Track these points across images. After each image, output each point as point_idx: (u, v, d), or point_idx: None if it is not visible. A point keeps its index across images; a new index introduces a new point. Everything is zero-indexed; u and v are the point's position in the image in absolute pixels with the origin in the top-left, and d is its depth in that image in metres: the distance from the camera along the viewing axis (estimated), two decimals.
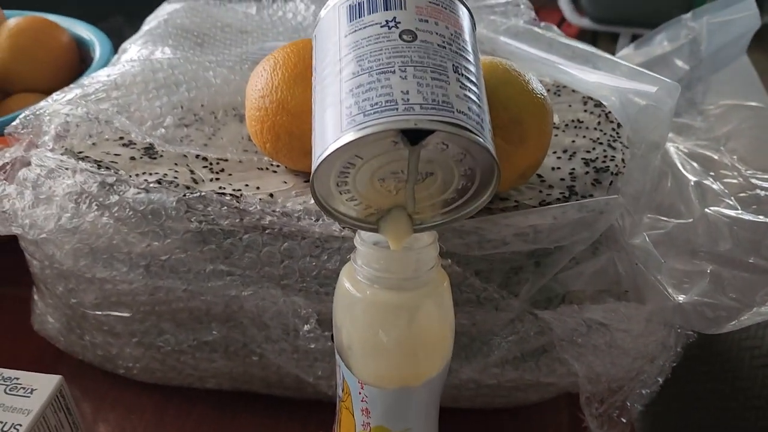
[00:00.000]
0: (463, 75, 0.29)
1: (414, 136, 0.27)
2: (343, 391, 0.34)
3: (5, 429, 0.37)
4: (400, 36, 0.29)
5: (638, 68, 0.44)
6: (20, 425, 0.37)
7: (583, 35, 1.84)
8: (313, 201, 0.30)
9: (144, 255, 0.38)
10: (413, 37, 0.29)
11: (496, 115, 0.35)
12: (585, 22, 1.47)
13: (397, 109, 0.27)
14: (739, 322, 0.37)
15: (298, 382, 0.42)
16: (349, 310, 0.32)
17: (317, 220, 0.35)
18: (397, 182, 0.29)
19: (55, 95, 0.45)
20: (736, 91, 0.61)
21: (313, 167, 0.28)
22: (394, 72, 0.28)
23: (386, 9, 0.30)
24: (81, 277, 0.40)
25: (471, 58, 0.30)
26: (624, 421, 0.41)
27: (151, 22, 0.58)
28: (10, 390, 0.39)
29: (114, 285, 0.40)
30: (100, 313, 0.42)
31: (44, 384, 0.40)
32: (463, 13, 0.32)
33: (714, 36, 0.62)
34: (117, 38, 1.06)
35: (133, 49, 0.53)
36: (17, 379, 0.40)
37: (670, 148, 0.51)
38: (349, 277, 0.32)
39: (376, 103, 0.27)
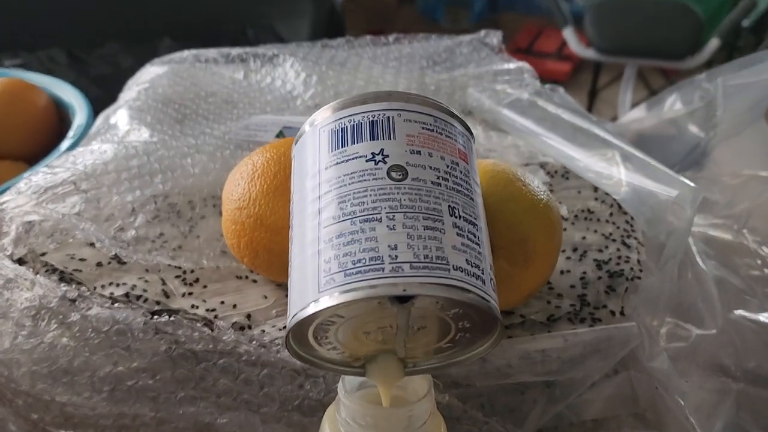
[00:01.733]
0: (460, 217, 0.25)
1: (404, 297, 0.23)
2: None
3: None
4: (388, 173, 0.25)
5: (654, 162, 0.40)
6: None
7: (587, 65, 1.81)
8: None
9: (108, 379, 0.35)
10: (403, 174, 0.25)
11: (499, 234, 0.31)
12: (590, 54, 1.43)
13: (383, 269, 0.23)
14: None
15: None
16: None
17: None
18: (385, 335, 0.26)
19: (21, 184, 0.42)
20: (754, 160, 0.57)
21: (288, 326, 0.24)
22: (380, 220, 0.24)
23: (372, 138, 0.26)
24: (40, 400, 0.37)
25: (470, 190, 0.27)
26: None
27: (132, 88, 0.54)
28: None
29: (75, 408, 0.36)
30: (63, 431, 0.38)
31: None
32: (460, 134, 0.28)
33: (730, 100, 0.58)
34: (112, 66, 1.03)
35: (111, 123, 0.49)
36: None
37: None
38: (331, 426, 0.28)
39: (359, 260, 0.23)
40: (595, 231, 0.41)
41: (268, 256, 0.33)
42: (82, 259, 0.37)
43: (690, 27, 1.35)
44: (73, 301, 0.35)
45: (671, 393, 0.34)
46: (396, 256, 0.23)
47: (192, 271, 0.37)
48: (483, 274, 0.25)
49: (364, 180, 0.25)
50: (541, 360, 0.33)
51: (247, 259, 0.34)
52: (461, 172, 0.27)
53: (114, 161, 0.42)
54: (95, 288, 0.36)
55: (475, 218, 0.26)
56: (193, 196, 0.42)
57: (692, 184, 0.37)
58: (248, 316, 0.34)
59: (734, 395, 0.35)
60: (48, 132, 0.60)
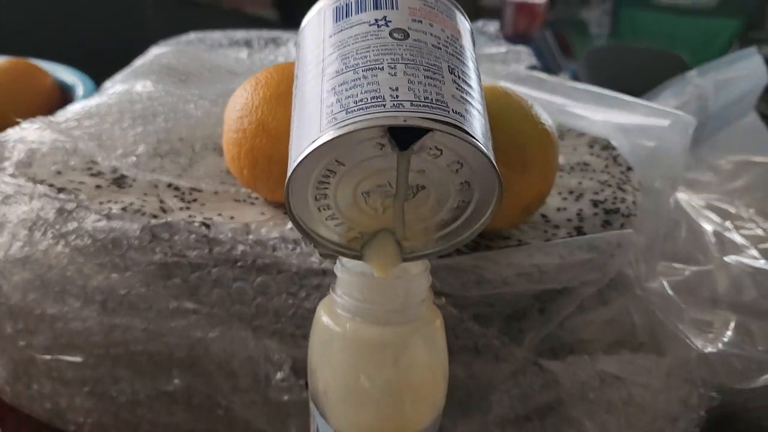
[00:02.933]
0: (459, 78, 0.26)
1: (403, 139, 0.24)
2: None
3: None
4: (390, 34, 0.26)
5: (648, 103, 0.41)
6: None
7: None
8: (291, 227, 0.26)
9: (101, 289, 0.34)
10: (405, 35, 0.26)
11: (496, 139, 0.31)
12: None
13: (384, 105, 0.23)
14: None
15: None
16: (326, 348, 0.27)
17: (294, 248, 0.31)
18: (384, 198, 0.26)
19: (24, 123, 0.42)
20: (745, 147, 0.59)
21: (288, 173, 0.25)
22: (382, 69, 0.24)
23: (376, 8, 0.27)
24: (30, 315, 0.36)
25: (469, 64, 0.27)
26: None
27: (136, 62, 0.56)
28: None
29: (66, 323, 0.35)
30: (49, 357, 0.37)
31: None
32: (462, 22, 0.29)
33: (721, 93, 0.60)
34: None
35: (114, 85, 0.50)
36: None
37: (682, 200, 0.48)
38: (327, 311, 0.28)
39: (361, 100, 0.24)
40: (591, 179, 0.42)
41: (268, 164, 0.34)
42: (81, 182, 0.37)
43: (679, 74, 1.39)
44: (70, 212, 0.35)
45: (669, 315, 0.34)
46: (397, 96, 0.24)
47: (190, 193, 0.37)
48: (484, 130, 0.25)
49: (368, 39, 0.26)
50: (538, 273, 0.33)
51: (247, 171, 0.34)
52: (460, 46, 0.27)
53: (117, 104, 0.43)
54: (92, 203, 0.36)
55: (475, 86, 0.27)
56: (194, 137, 0.42)
57: (683, 113, 0.38)
58: (246, 225, 0.33)
59: (733, 325, 0.35)
60: (52, 110, 0.61)
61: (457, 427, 0.35)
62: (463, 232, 0.27)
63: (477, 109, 0.25)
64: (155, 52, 0.57)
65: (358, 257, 0.27)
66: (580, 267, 0.33)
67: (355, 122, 0.23)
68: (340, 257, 0.28)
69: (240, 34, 0.59)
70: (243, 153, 0.34)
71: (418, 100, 0.24)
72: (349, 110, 0.23)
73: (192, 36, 0.59)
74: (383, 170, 0.25)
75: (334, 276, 0.27)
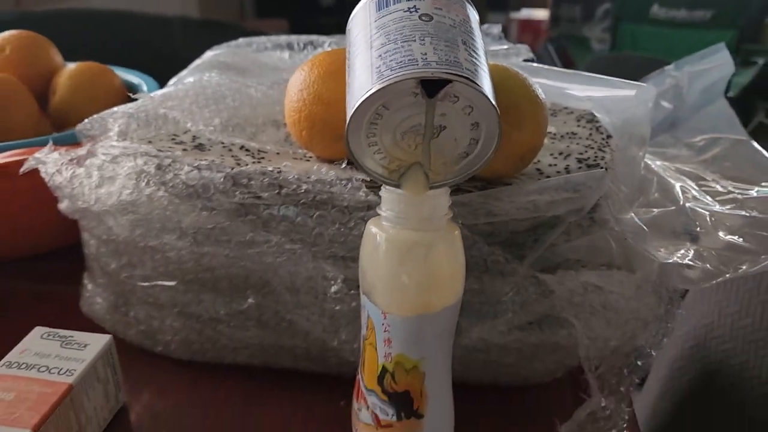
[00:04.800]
0: (469, 48, 0.35)
1: (431, 89, 0.33)
2: (367, 329, 0.38)
3: (61, 372, 0.41)
4: (419, 17, 0.36)
5: (620, 80, 0.51)
6: (74, 370, 0.42)
7: None
8: (343, 168, 0.36)
9: (192, 225, 0.44)
10: (430, 18, 0.36)
11: (496, 99, 0.41)
12: None
13: (417, 64, 0.33)
14: (715, 283, 0.42)
15: (323, 350, 0.47)
16: (374, 251, 0.37)
17: (346, 184, 0.41)
18: (416, 137, 0.36)
19: (114, 108, 0.52)
20: (716, 128, 0.68)
21: (347, 119, 0.34)
22: (414, 41, 0.34)
23: (408, 0, 0.37)
24: (134, 249, 0.46)
25: (477, 42, 0.37)
26: (622, 389, 0.45)
27: (195, 62, 0.66)
28: (65, 345, 0.44)
29: (163, 254, 0.45)
30: (148, 284, 0.47)
31: (96, 340, 0.44)
32: (471, 12, 0.39)
33: (694, 82, 0.69)
34: None
35: (179, 81, 0.60)
36: (72, 336, 0.45)
37: (658, 166, 0.57)
38: (374, 224, 0.37)
39: (400, 62, 0.33)
40: (577, 144, 0.51)
41: (323, 126, 0.43)
42: (169, 147, 0.47)
43: None
44: (168, 165, 0.44)
45: (638, 241, 0.43)
46: (426, 58, 0.33)
47: (258, 152, 0.47)
48: (488, 84, 0.35)
49: (403, 21, 0.36)
50: (533, 206, 0.42)
51: (305, 132, 0.44)
52: (470, 29, 0.37)
53: (192, 89, 0.53)
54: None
55: (482, 55, 0.36)
56: (257, 113, 0.52)
57: (646, 84, 0.48)
58: (306, 170, 0.43)
59: (689, 248, 0.44)
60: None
61: (473, 329, 0.44)
62: (473, 165, 0.37)
63: (483, 70, 0.35)
64: (210, 53, 0.67)
65: (397, 186, 0.37)
66: (565, 200, 0.42)
67: (397, 76, 0.33)
68: (383, 185, 0.37)
69: (282, 38, 0.69)
70: (302, 117, 0.44)
71: (441, 61, 0.33)
72: (392, 69, 0.33)
73: (240, 41, 0.69)
74: (416, 114, 0.34)
75: (379, 201, 0.37)
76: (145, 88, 0.72)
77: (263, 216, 0.43)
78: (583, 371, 0.49)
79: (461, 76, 0.33)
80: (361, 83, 0.34)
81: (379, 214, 0.37)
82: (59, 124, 0.71)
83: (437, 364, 0.38)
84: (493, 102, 0.34)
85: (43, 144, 0.48)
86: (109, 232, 0.46)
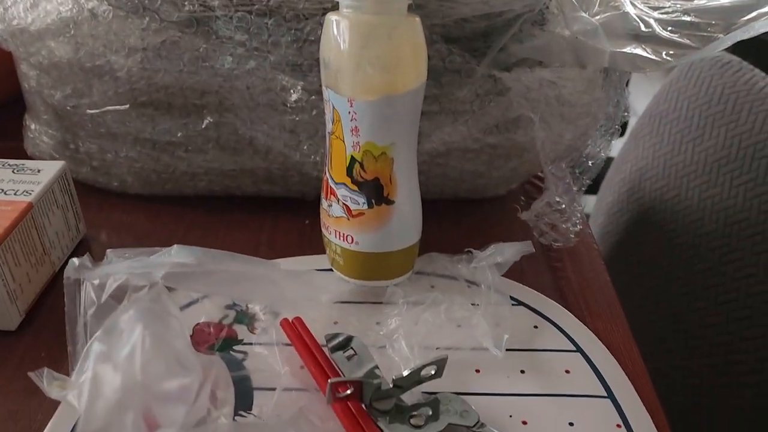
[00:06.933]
0: None
1: None
2: (333, 122, 0.38)
3: (18, 193, 0.40)
4: None
5: None
6: (32, 191, 0.40)
7: None
8: None
9: (142, 38, 0.42)
10: None
11: None
12: None
13: None
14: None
15: (284, 169, 0.47)
16: (337, 37, 0.36)
17: None
18: None
19: None
20: None
21: None
22: None
23: None
24: (80, 74, 0.44)
25: None
26: (575, 189, 0.47)
27: None
28: (17, 171, 0.42)
29: (112, 75, 0.43)
30: (97, 111, 0.45)
31: (49, 166, 0.43)
32: None
33: None
34: None
35: None
36: (23, 164, 0.43)
37: None
38: (334, 15, 0.37)
39: None
40: None
41: None
42: None
43: None
44: None
45: (588, 37, 0.45)
46: None
47: None
48: None
49: None
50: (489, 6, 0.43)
51: None
52: None
53: None
54: None
55: None
56: None
57: None
58: None
59: (635, 44, 0.46)
60: None
61: (434, 134, 0.45)
62: None
63: None
64: None
65: None
66: None
67: None
68: None
69: None
70: None
71: None
72: None
73: None
74: None
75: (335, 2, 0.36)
76: None
77: (216, 27, 0.42)
78: (536, 186, 0.51)
79: None
80: None
81: (338, 7, 0.37)
82: None
83: (404, 150, 0.38)
84: None
85: None
86: (51, 56, 0.44)
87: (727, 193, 0.71)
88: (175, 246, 0.34)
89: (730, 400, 0.66)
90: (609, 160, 0.98)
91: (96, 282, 0.31)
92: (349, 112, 0.37)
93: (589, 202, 1.06)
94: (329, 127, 0.39)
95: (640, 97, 1.17)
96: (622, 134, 1.06)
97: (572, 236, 0.45)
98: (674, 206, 0.78)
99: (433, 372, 0.34)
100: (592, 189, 0.86)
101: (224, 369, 0.26)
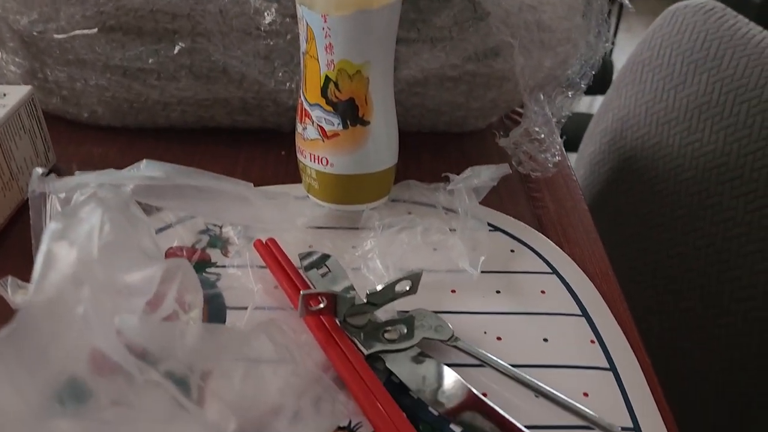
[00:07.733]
0: None
1: None
2: (307, 41, 0.37)
3: None
4: None
5: None
6: None
7: None
8: None
9: None
10: None
11: None
12: None
13: None
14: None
15: (259, 98, 0.46)
16: None
17: None
18: None
19: None
20: None
21: None
22: None
23: None
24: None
25: None
26: (554, 120, 0.46)
27: None
28: None
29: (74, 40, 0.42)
30: (65, 36, 0.43)
31: (15, 91, 0.42)
32: None
33: None
34: None
35: None
36: None
37: None
38: None
39: None
40: None
41: None
42: None
43: None
44: None
45: None
46: None
47: None
48: None
49: None
50: None
51: None
52: None
53: None
54: None
55: None
56: None
57: None
58: None
59: None
60: None
61: (411, 60, 0.44)
62: None
63: None
64: None
65: None
66: None
67: None
68: None
69: None
70: None
71: None
72: None
73: None
74: None
75: None
76: None
77: None
78: (515, 121, 0.51)
79: None
80: None
81: None
82: None
83: (380, 70, 0.38)
84: None
85: None
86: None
87: (707, 139, 0.71)
88: (144, 160, 0.33)
89: (706, 342, 0.67)
90: (589, 117, 0.98)
91: (62, 195, 0.31)
92: (323, 29, 0.36)
93: (570, 159, 1.06)
94: (303, 46, 0.38)
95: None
96: (603, 91, 1.05)
97: (551, 166, 0.45)
98: (655, 154, 0.78)
99: (407, 288, 0.33)
100: (572, 146, 0.86)
101: (192, 272, 0.25)
